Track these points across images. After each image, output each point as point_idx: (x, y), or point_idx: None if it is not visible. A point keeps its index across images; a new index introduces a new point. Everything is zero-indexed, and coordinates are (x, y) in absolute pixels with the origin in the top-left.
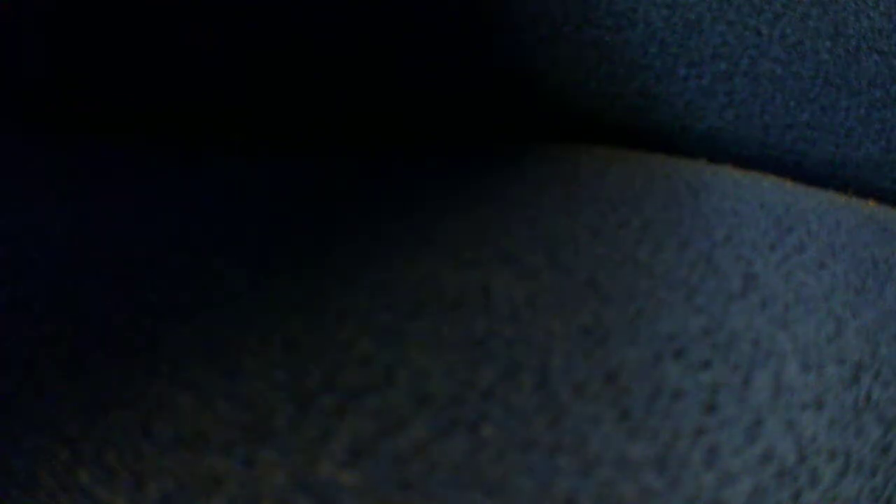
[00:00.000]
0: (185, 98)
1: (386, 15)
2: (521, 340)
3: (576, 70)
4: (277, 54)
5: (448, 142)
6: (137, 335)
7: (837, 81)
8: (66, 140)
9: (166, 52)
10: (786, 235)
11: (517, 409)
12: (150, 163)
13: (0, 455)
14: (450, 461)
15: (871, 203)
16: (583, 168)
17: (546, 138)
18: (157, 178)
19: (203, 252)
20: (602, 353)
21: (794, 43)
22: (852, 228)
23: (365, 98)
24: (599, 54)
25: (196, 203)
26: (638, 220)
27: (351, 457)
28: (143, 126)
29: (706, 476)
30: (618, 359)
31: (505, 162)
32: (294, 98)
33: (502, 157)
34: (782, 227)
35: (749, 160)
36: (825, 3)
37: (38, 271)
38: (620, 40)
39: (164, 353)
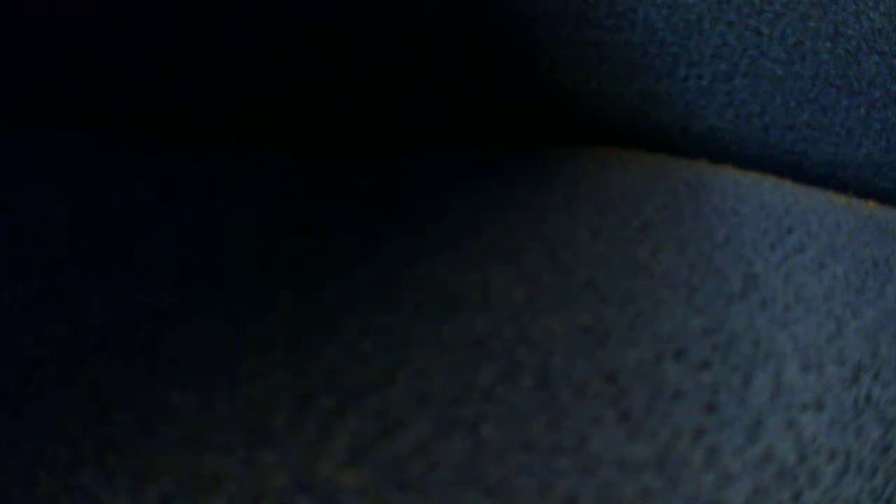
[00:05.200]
0: (187, 98)
1: (387, 17)
2: (521, 340)
3: (576, 70)
4: (282, 54)
5: (448, 142)
6: (137, 335)
7: (837, 81)
8: (66, 140)
9: (167, 52)
10: (786, 236)
11: (517, 409)
12: (150, 163)
13: (0, 455)
14: (450, 461)
15: (871, 203)
16: (583, 168)
17: (547, 138)
18: (157, 178)
19: (203, 252)
20: (602, 353)
21: (794, 43)
22: (852, 228)
23: (366, 98)
24: (600, 54)
25: (196, 203)
26: (638, 220)
27: (351, 457)
28: (144, 126)
29: (706, 476)
30: (618, 359)
31: (505, 162)
32: (297, 98)
33: (503, 157)
34: (782, 227)
35: (749, 160)
36: (825, 4)
37: (38, 271)
38: (621, 40)
39: (164, 353)
